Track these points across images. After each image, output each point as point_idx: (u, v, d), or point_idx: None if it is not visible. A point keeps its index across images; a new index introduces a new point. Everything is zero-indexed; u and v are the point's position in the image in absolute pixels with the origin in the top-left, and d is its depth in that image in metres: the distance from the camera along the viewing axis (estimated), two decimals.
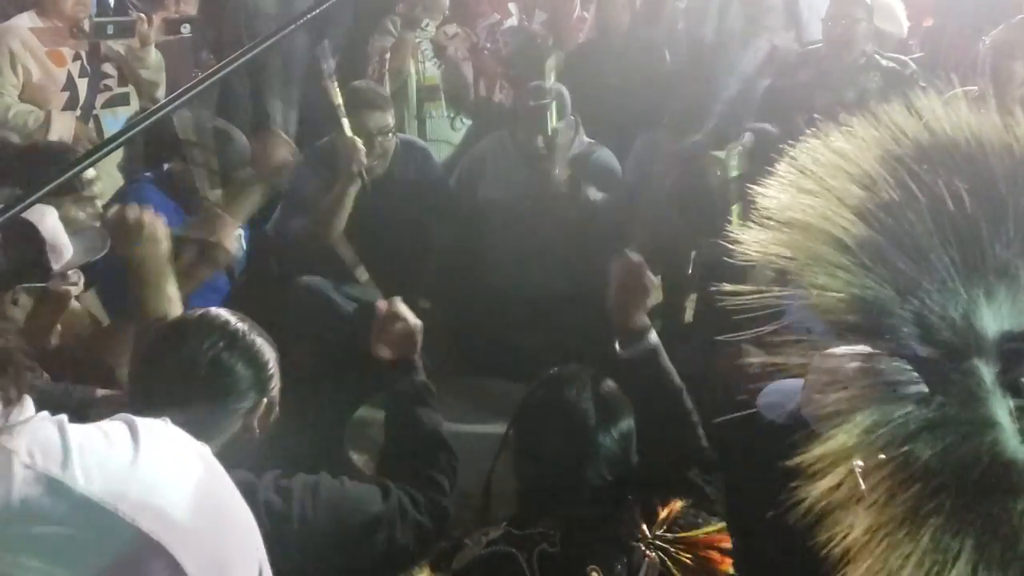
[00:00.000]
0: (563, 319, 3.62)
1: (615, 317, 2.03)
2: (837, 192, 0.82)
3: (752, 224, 0.86)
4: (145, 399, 1.68)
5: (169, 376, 1.73)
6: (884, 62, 3.98)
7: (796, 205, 0.84)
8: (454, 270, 3.85)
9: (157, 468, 1.16)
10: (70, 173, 1.02)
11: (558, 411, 1.82)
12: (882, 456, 0.75)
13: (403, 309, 2.21)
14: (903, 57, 4.09)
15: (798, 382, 2.03)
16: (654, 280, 2.22)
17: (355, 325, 3.49)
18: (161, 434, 1.22)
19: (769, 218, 0.85)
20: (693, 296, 3.77)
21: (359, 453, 2.92)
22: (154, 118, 1.07)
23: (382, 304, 2.24)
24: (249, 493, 1.73)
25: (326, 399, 3.00)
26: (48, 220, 2.05)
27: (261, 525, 1.35)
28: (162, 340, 1.80)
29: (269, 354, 1.84)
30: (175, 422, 1.29)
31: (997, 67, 3.53)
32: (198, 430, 1.30)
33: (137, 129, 1.11)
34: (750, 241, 0.85)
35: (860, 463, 0.92)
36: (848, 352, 1.86)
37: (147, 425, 1.21)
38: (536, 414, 1.87)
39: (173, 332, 1.81)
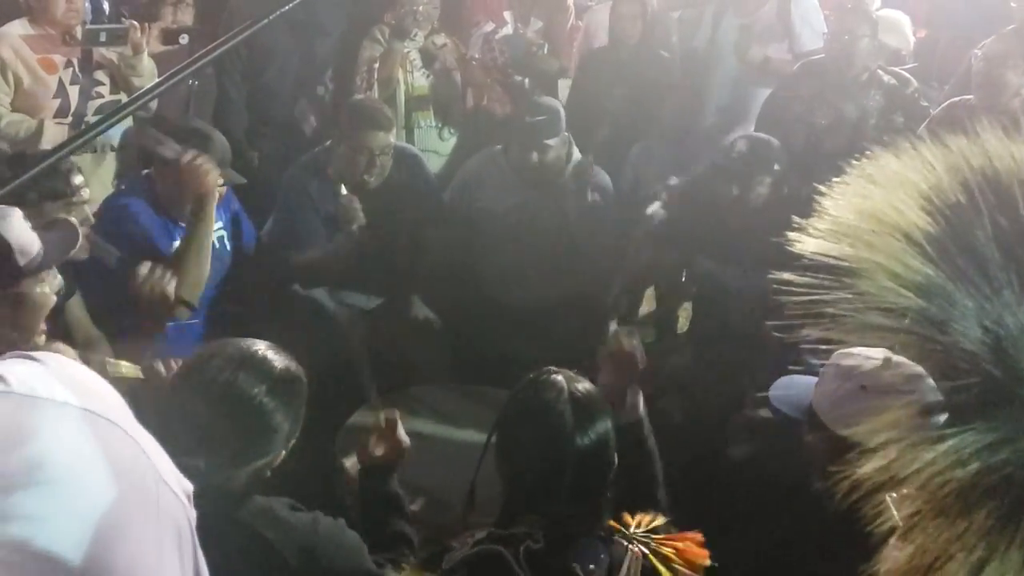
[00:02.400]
0: (556, 328, 3.62)
1: (606, 394, 2.06)
2: (906, 190, 0.84)
3: (814, 223, 0.87)
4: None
5: (202, 416, 1.78)
6: (886, 78, 3.97)
7: (864, 200, 0.86)
8: (448, 279, 3.85)
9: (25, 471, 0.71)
10: (29, 174, 0.99)
11: (536, 414, 1.87)
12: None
13: (399, 424, 2.34)
14: (906, 74, 4.09)
15: (811, 378, 2.04)
16: (643, 357, 2.31)
17: (348, 331, 3.49)
18: (45, 413, 0.75)
19: (833, 213, 0.87)
20: (687, 305, 3.76)
21: (350, 460, 2.91)
22: (126, 112, 1.06)
23: (386, 414, 2.36)
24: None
25: (318, 405, 2.99)
26: (11, 221, 2.03)
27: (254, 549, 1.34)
28: (209, 378, 1.82)
29: (304, 394, 1.91)
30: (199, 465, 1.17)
31: (989, 77, 3.54)
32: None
33: (108, 124, 1.09)
34: (815, 233, 0.86)
35: (893, 494, 0.93)
36: (865, 352, 1.88)
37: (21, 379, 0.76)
38: (515, 417, 1.93)
39: (218, 368, 1.83)
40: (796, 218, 0.91)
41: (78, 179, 2.56)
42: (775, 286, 0.85)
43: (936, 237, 0.82)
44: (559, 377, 1.91)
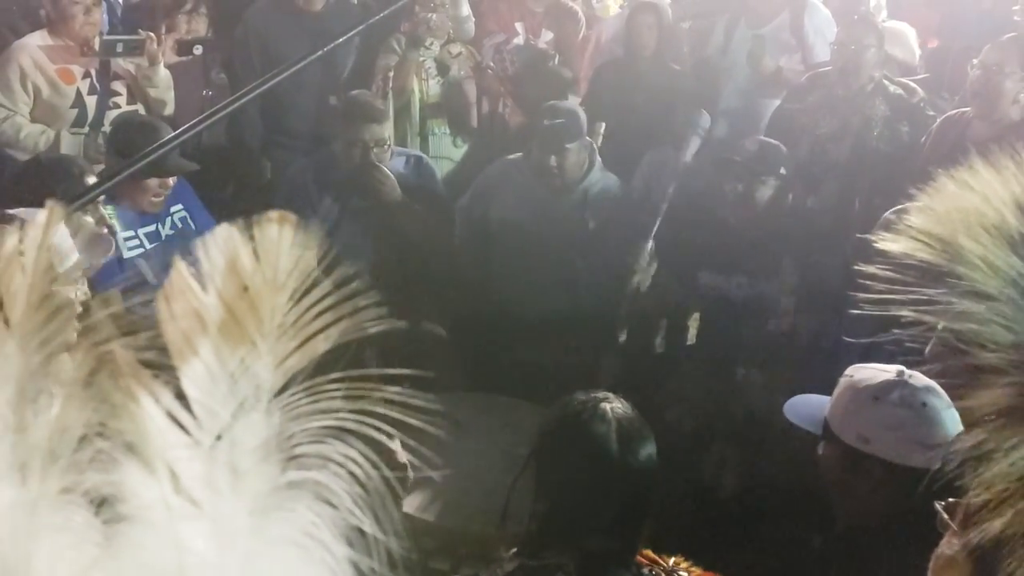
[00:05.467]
0: (568, 337, 3.64)
1: None
2: (1000, 194, 0.86)
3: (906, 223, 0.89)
4: None
5: None
6: (892, 88, 3.98)
7: (958, 201, 0.88)
8: (465, 287, 3.87)
9: None
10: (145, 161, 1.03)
11: (582, 446, 1.80)
12: None
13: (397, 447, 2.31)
14: (912, 84, 4.09)
15: (825, 397, 2.07)
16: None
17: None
18: None
19: (925, 214, 0.88)
20: (696, 315, 3.77)
21: None
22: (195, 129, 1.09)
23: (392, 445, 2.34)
24: None
25: None
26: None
27: None
28: None
29: None
30: None
31: (987, 85, 3.54)
32: None
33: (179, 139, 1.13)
34: (906, 232, 0.88)
35: (942, 502, 0.98)
36: (879, 367, 1.90)
37: None
38: (558, 447, 1.85)
39: None
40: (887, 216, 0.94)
41: (91, 179, 2.61)
42: (859, 280, 0.87)
43: None
44: (606, 407, 1.83)
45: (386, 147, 3.63)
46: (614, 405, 1.84)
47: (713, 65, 4.67)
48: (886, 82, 3.99)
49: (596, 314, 3.78)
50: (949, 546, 0.97)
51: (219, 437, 0.59)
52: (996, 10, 5.04)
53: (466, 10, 4.64)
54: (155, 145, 1.28)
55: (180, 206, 3.35)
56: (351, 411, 0.61)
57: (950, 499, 1.02)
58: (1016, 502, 0.80)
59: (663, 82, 4.50)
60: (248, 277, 0.60)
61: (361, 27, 2.65)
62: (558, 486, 1.80)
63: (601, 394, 1.87)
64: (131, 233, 3.17)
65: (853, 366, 2.02)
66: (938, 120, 3.80)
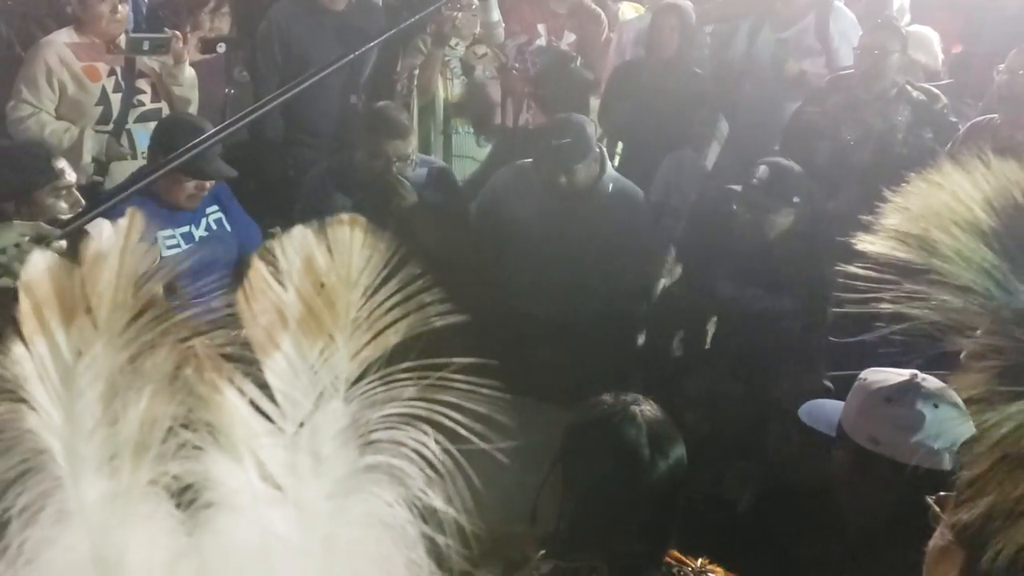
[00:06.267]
0: (584, 339, 3.64)
1: None
2: (969, 192, 0.90)
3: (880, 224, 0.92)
4: None
5: None
6: (915, 94, 3.95)
7: (929, 199, 0.91)
8: (480, 289, 3.87)
9: None
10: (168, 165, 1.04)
11: (611, 449, 1.79)
12: None
13: None
14: (935, 90, 4.06)
15: (840, 402, 2.09)
16: None
17: None
18: None
19: (898, 214, 0.91)
20: (713, 319, 3.77)
21: None
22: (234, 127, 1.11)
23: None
24: None
25: None
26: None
27: None
28: None
29: None
30: None
31: (1013, 89, 3.52)
32: None
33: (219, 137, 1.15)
34: (882, 233, 0.91)
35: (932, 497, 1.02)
36: (893, 370, 1.92)
37: None
38: (587, 449, 1.84)
39: None
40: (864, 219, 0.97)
41: (60, 163, 2.63)
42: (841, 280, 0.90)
43: (999, 232, 0.87)
44: (636, 409, 1.81)
45: (409, 161, 3.61)
46: (643, 408, 1.82)
47: (735, 69, 4.66)
48: (909, 87, 3.97)
49: (613, 317, 3.78)
50: (941, 537, 0.99)
51: (301, 425, 0.62)
52: (1020, 15, 5.01)
53: (496, 15, 4.67)
54: (188, 146, 1.29)
55: (216, 207, 3.38)
56: (422, 399, 0.65)
57: (941, 493, 1.04)
58: (999, 480, 0.82)
59: (683, 85, 4.49)
60: (324, 275, 0.64)
61: (393, 31, 2.66)
62: (588, 489, 1.79)
63: (630, 396, 1.85)
64: (170, 232, 3.22)
65: (868, 370, 2.04)
66: (964, 127, 3.78)
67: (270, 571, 0.60)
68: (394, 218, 3.58)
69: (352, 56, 2.49)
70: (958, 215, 0.88)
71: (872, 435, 1.93)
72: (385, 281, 0.66)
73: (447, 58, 4.50)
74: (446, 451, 0.66)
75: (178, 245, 3.22)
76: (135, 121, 3.87)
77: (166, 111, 3.95)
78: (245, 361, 0.63)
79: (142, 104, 3.89)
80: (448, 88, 4.52)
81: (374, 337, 0.65)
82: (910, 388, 1.93)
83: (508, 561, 1.91)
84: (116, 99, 3.82)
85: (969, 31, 5.37)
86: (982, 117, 3.79)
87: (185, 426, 0.62)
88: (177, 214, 3.25)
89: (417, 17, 2.52)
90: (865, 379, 2.01)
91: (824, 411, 2.18)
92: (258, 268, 0.64)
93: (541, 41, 5.00)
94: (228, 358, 0.63)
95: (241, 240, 3.40)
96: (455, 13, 4.36)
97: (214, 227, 3.36)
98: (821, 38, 4.47)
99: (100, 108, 3.80)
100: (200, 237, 3.32)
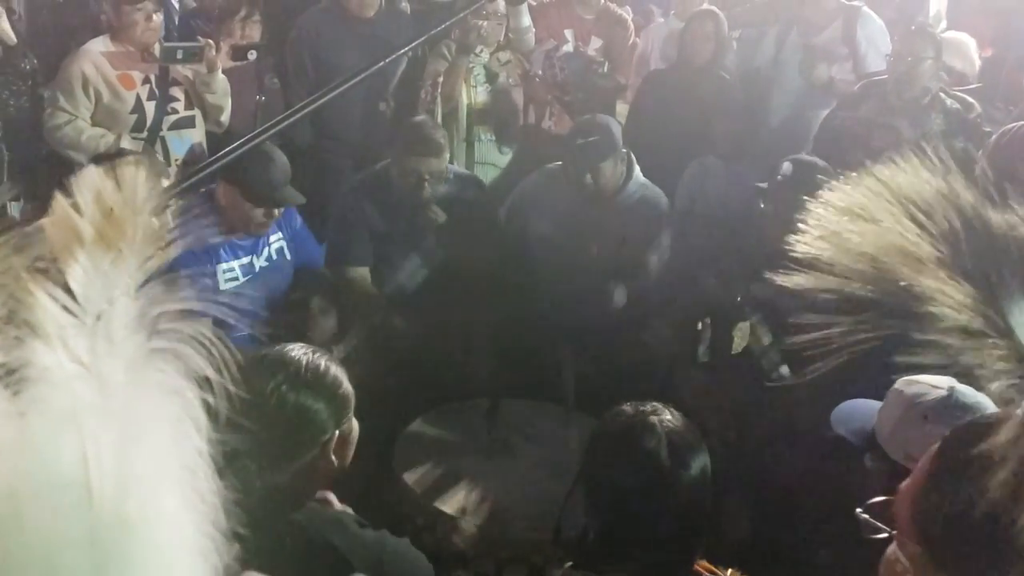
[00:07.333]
0: (608, 345, 3.66)
1: None
2: (896, 218, 0.94)
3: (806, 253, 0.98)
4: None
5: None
6: (949, 102, 3.91)
7: (853, 229, 0.96)
8: (501, 295, 3.90)
9: None
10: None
11: (631, 461, 1.79)
12: None
13: None
14: (969, 99, 4.02)
15: (874, 404, 2.04)
16: None
17: (412, 341, 3.56)
18: None
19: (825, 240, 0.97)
20: (741, 325, 3.77)
21: (410, 472, 2.97)
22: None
23: None
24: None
25: (377, 415, 3.06)
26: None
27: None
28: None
29: (341, 386, 1.81)
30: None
31: None
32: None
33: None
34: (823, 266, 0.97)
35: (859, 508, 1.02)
36: (930, 381, 1.88)
37: None
38: (608, 462, 1.83)
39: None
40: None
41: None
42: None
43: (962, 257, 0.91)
44: (655, 420, 1.80)
45: (440, 178, 3.61)
46: (663, 417, 1.80)
47: (763, 75, 4.65)
48: (943, 95, 3.93)
49: (636, 322, 3.79)
50: (901, 546, 1.01)
51: (99, 318, 0.81)
52: None
53: (527, 21, 4.67)
54: (219, 154, 1.32)
55: (279, 235, 3.31)
56: (196, 298, 0.85)
57: (869, 501, 1.06)
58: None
59: (712, 91, 4.49)
60: (113, 203, 0.85)
61: (421, 39, 2.67)
62: (611, 501, 1.79)
63: (649, 406, 1.84)
64: (229, 265, 3.15)
65: (903, 379, 1.96)
66: (995, 133, 3.75)
67: (80, 430, 0.77)
68: (428, 231, 3.63)
69: (384, 63, 2.52)
70: (906, 244, 0.91)
71: (910, 453, 1.83)
72: (167, 208, 0.88)
73: (471, 65, 4.53)
74: (217, 336, 0.85)
75: (236, 278, 3.17)
76: (169, 129, 3.93)
77: (199, 119, 4.01)
78: (52, 271, 0.81)
79: (176, 112, 3.95)
80: (472, 95, 4.55)
81: (157, 251, 0.85)
82: (947, 405, 1.87)
83: (532, 567, 1.92)
84: (150, 107, 3.89)
85: (1000, 34, 5.33)
86: (1012, 125, 3.75)
87: (9, 322, 0.80)
88: (239, 245, 3.18)
89: (444, 26, 2.54)
90: (901, 391, 1.95)
91: (855, 417, 2.11)
92: (60, 201, 0.84)
93: (568, 47, 5.02)
94: (40, 270, 0.81)
95: (300, 264, 3.38)
96: (481, 22, 4.39)
97: (275, 257, 3.30)
98: (848, 43, 4.46)
99: (135, 116, 3.86)
100: (260, 267, 3.25)
